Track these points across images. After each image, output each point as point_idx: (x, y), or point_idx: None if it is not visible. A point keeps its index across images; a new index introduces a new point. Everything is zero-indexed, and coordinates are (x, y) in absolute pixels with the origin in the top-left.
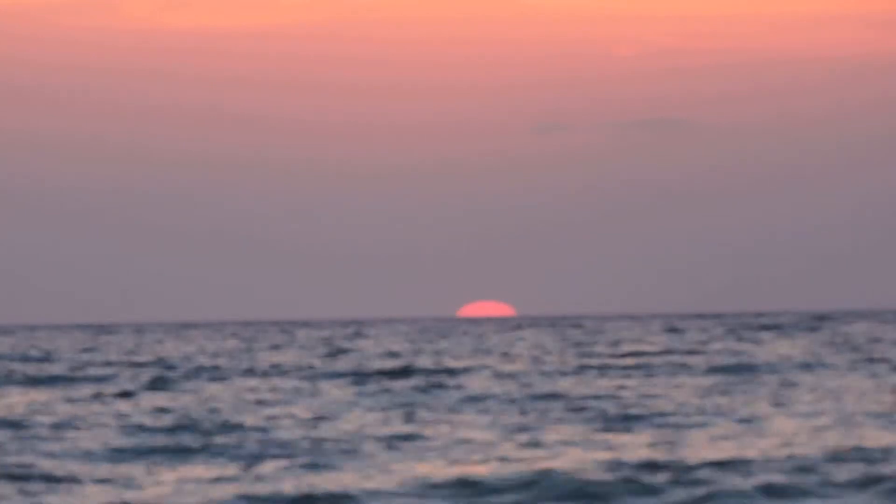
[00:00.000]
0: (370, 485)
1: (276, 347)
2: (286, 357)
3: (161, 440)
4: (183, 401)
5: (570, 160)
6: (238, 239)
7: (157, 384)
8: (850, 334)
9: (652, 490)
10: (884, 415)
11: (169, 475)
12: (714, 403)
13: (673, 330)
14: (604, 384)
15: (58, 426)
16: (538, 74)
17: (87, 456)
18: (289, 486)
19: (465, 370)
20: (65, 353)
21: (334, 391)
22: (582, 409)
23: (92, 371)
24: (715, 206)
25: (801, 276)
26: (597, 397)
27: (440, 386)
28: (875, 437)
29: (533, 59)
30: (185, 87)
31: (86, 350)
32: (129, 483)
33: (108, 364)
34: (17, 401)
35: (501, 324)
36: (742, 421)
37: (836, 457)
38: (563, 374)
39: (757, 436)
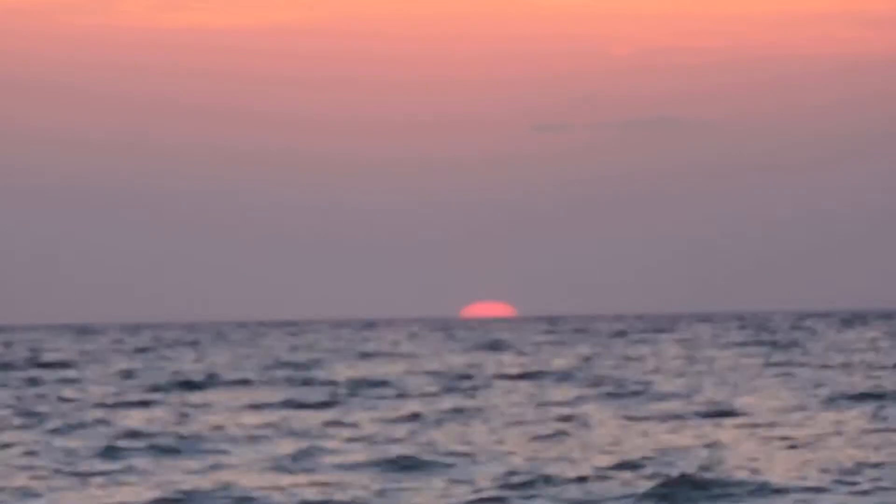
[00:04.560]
0: None
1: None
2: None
3: None
4: None
5: (569, 159)
6: (233, 235)
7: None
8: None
9: None
10: None
11: None
12: None
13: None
14: None
15: None
16: (537, 73)
17: None
18: None
19: None
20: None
21: None
22: None
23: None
24: (716, 203)
25: (803, 274)
26: None
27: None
28: None
29: (531, 58)
30: (187, 82)
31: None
32: None
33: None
34: None
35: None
36: None
37: None
38: None
39: None
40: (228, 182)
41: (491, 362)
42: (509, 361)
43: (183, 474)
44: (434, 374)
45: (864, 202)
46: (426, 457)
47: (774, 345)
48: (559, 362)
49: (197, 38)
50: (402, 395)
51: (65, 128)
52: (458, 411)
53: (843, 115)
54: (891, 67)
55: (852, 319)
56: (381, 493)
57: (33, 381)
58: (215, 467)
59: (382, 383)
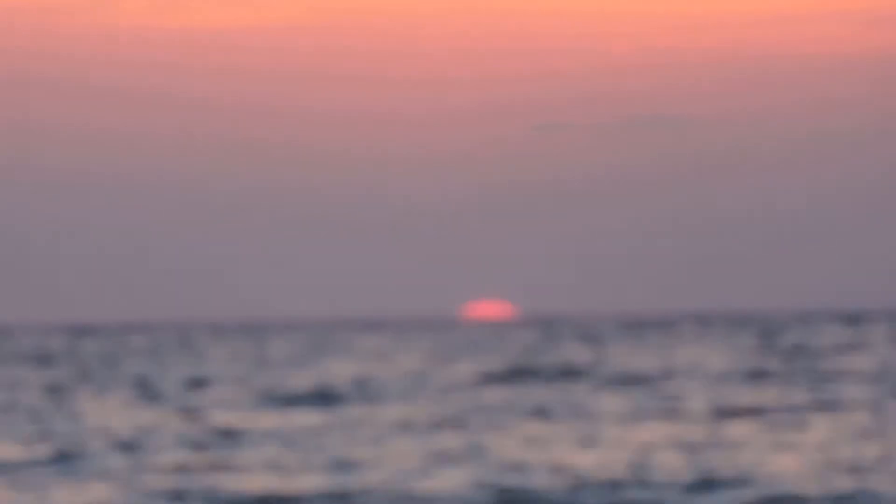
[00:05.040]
0: None
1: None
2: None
3: None
4: None
5: (569, 158)
6: (232, 234)
7: None
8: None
9: None
10: None
11: None
12: None
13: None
14: None
15: None
16: (538, 71)
17: None
18: None
19: None
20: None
21: None
22: None
23: None
24: (718, 201)
25: (803, 273)
26: None
27: None
28: None
29: (532, 56)
30: (187, 79)
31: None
32: None
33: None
34: None
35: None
36: None
37: None
38: None
39: None
40: (228, 181)
41: (492, 361)
42: (511, 360)
43: (191, 472)
44: (438, 372)
45: (864, 202)
46: (445, 453)
47: (782, 344)
48: (563, 361)
49: (197, 38)
50: (406, 395)
51: (64, 126)
52: (465, 410)
53: (844, 113)
54: (894, 67)
55: (854, 319)
56: (398, 489)
57: (34, 381)
58: (226, 466)
59: (386, 382)
